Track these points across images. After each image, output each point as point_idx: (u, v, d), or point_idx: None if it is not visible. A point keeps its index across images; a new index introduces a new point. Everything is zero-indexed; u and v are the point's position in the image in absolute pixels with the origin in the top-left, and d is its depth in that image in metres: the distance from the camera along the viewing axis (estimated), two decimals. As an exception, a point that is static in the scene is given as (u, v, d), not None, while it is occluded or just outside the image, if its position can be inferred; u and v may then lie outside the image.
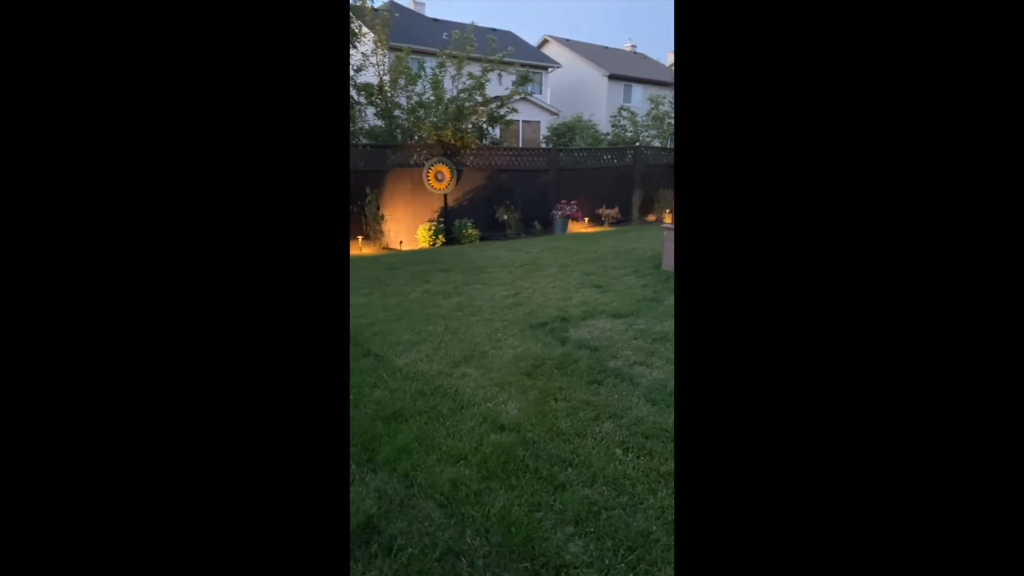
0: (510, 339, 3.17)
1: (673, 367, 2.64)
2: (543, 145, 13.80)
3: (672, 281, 4.38)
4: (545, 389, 2.47)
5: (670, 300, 3.82)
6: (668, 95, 13.83)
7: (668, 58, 25.41)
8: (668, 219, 10.37)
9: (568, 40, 22.37)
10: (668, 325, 3.26)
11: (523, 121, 15.48)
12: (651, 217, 10.31)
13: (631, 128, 12.85)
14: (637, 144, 11.59)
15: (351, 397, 2.43)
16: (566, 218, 8.91)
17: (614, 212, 9.59)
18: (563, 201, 8.97)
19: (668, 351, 2.85)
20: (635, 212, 10.05)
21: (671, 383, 2.47)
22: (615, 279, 4.69)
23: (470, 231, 8.03)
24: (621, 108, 13.04)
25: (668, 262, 4.98)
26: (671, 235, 4.93)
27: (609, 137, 12.85)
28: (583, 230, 9.05)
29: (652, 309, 3.64)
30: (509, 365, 2.76)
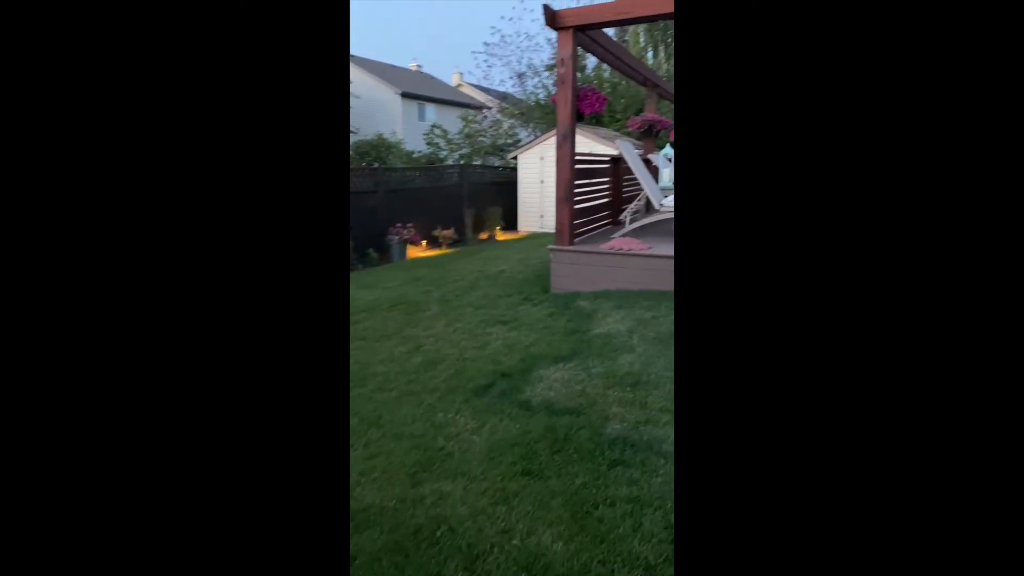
0: (460, 419, 2.39)
1: (688, 421, 2.24)
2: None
3: (577, 306, 4.06)
4: (565, 492, 1.81)
5: (598, 329, 3.47)
6: (468, 113, 13.94)
7: (453, 79, 26.10)
8: (500, 236, 10.35)
9: (354, 56, 21.20)
10: (628, 362, 2.87)
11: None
12: (483, 235, 10.12)
13: (445, 147, 12.57)
14: (463, 162, 11.35)
15: None
16: (404, 242, 8.08)
17: (450, 232, 9.10)
18: (398, 224, 8.12)
19: (662, 399, 2.44)
20: (469, 232, 9.75)
21: (704, 444, 2.06)
22: (512, 310, 4.18)
23: (296, 268, 6.63)
24: (433, 126, 12.68)
25: (557, 283, 4.68)
26: (558, 256, 4.64)
27: (415, 155, 12.35)
28: (423, 254, 8.34)
29: (591, 345, 3.22)
30: (490, 463, 2.01)
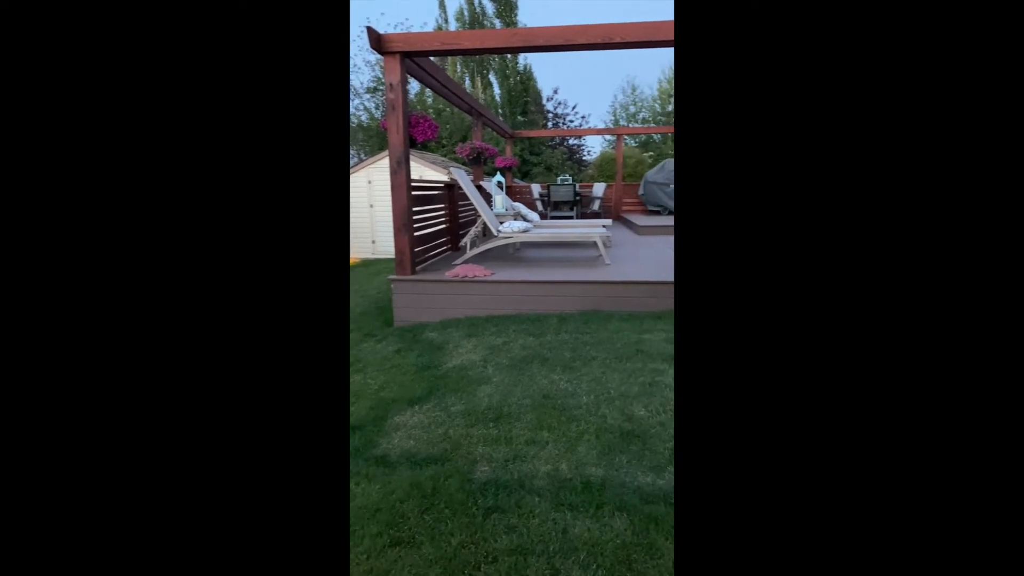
0: (308, 489, 2.05)
1: (557, 448, 2.23)
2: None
3: (425, 338, 3.90)
4: (442, 557, 1.65)
5: (451, 363, 3.35)
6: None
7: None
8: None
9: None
10: (487, 395, 2.80)
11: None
12: (310, 264, 9.30)
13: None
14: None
15: None
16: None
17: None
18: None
19: (525, 430, 2.41)
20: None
21: (574, 472, 2.06)
22: (354, 349, 3.84)
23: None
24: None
25: (401, 315, 4.45)
26: (400, 286, 4.42)
27: None
28: (238, 291, 7.30)
29: (446, 380, 3.08)
30: (352, 538, 1.75)
